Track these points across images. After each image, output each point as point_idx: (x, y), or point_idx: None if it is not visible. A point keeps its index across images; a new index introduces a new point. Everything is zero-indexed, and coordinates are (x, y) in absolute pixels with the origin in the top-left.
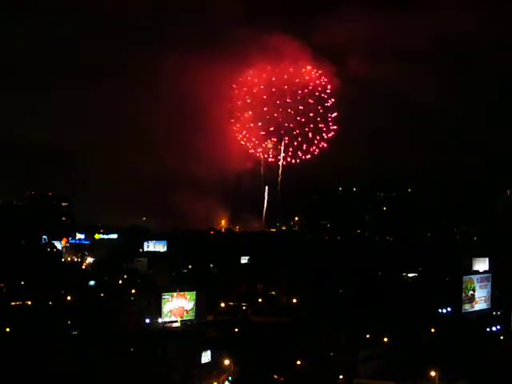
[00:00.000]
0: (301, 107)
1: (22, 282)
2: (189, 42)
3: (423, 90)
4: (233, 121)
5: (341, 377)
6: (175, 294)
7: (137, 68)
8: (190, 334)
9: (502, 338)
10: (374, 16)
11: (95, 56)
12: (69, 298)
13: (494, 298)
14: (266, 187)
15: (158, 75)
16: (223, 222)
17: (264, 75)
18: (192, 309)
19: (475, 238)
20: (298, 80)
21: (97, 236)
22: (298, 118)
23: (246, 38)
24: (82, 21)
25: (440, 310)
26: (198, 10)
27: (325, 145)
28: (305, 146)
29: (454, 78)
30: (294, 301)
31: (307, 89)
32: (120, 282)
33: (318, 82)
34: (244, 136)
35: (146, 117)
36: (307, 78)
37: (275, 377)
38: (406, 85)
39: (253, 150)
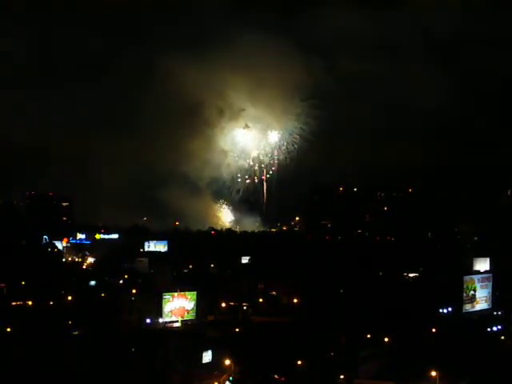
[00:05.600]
0: None
1: (23, 282)
2: (180, 41)
3: (423, 89)
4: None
5: (341, 377)
6: (176, 293)
7: (134, 68)
8: (191, 334)
9: (502, 338)
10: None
11: (93, 56)
12: (69, 297)
13: (495, 298)
14: (265, 187)
15: (153, 75)
16: (223, 222)
17: None
18: (193, 309)
19: (476, 238)
20: None
21: (97, 236)
22: None
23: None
24: (81, 20)
25: (441, 310)
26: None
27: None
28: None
29: (453, 78)
30: (295, 301)
31: None
32: (120, 282)
33: None
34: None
35: (145, 117)
36: None
37: (276, 377)
38: (405, 84)
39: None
